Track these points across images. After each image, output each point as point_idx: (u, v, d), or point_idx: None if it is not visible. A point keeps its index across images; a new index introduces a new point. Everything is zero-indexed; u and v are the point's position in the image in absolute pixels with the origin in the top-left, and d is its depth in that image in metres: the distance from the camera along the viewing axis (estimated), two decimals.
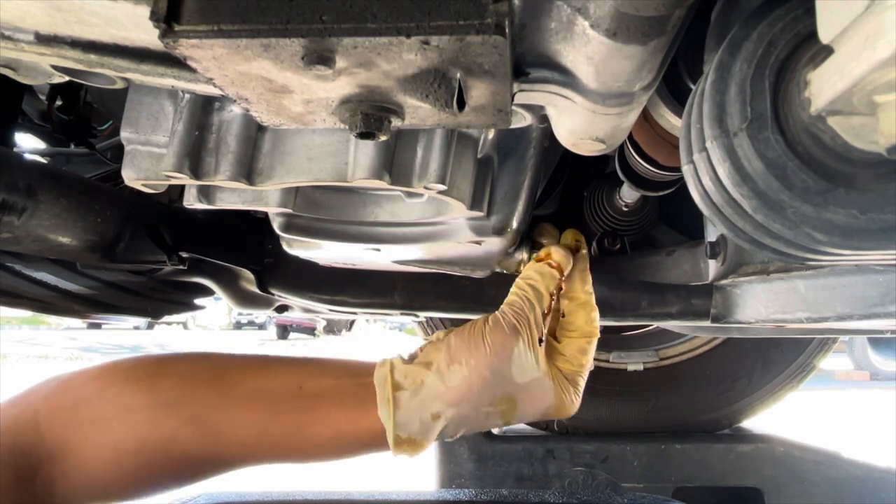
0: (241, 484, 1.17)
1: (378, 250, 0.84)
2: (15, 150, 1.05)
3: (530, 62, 0.50)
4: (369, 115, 0.48)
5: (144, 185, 0.68)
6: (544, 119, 0.61)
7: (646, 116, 0.79)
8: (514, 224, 0.76)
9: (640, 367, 1.94)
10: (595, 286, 0.83)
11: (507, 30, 0.40)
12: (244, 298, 1.28)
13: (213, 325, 23.63)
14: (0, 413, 0.69)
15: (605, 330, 0.89)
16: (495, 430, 1.93)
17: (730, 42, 0.42)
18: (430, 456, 1.90)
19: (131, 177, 0.66)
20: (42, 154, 1.29)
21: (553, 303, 0.79)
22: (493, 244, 0.81)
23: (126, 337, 17.19)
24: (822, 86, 0.37)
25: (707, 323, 1.03)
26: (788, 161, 0.39)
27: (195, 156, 0.62)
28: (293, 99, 0.49)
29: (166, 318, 2.06)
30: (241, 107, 0.53)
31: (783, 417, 2.34)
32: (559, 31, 0.45)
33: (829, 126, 0.38)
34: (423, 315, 1.41)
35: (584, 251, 0.84)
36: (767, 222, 0.41)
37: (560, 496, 1.24)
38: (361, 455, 0.74)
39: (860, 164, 0.39)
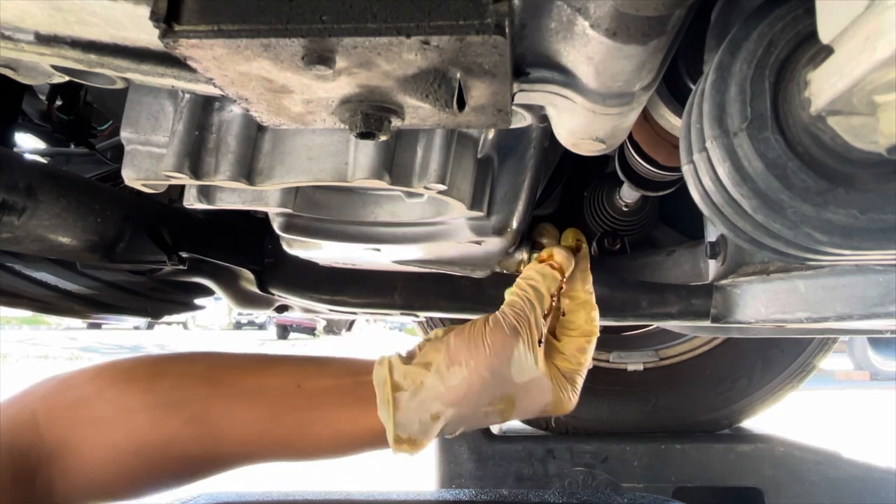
0: (241, 484, 1.17)
1: (378, 250, 0.84)
2: (15, 150, 1.05)
3: (530, 62, 0.50)
4: (369, 115, 0.48)
5: (144, 185, 0.68)
6: (544, 119, 0.61)
7: (646, 116, 0.79)
8: (514, 224, 0.76)
9: (640, 367, 1.94)
10: (595, 286, 0.83)
11: (507, 30, 0.40)
12: (244, 298, 1.28)
13: (213, 325, 23.63)
14: None
15: (605, 330, 0.89)
16: (495, 430, 1.93)
17: (730, 42, 0.42)
18: (430, 456, 1.90)
19: (131, 177, 0.66)
20: (42, 154, 1.29)
21: (553, 303, 0.79)
22: (493, 244, 0.81)
23: (126, 337, 17.19)
24: (822, 86, 0.37)
25: (707, 323, 1.03)
26: (788, 161, 0.39)
27: (195, 156, 0.62)
28: (293, 99, 0.49)
29: (166, 318, 2.06)
30: (241, 107, 0.53)
31: (783, 417, 2.34)
32: (559, 31, 0.45)
33: (829, 126, 0.38)
34: (423, 315, 1.41)
35: (585, 250, 0.84)
36: (767, 222, 0.41)
37: (560, 496, 1.24)
38: (361, 453, 0.75)
39: (860, 164, 0.39)
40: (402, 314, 1.21)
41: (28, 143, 1.32)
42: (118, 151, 1.17)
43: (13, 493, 0.65)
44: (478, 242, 0.80)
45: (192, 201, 0.70)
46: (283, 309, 1.36)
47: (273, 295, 1.18)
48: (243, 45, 0.41)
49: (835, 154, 0.39)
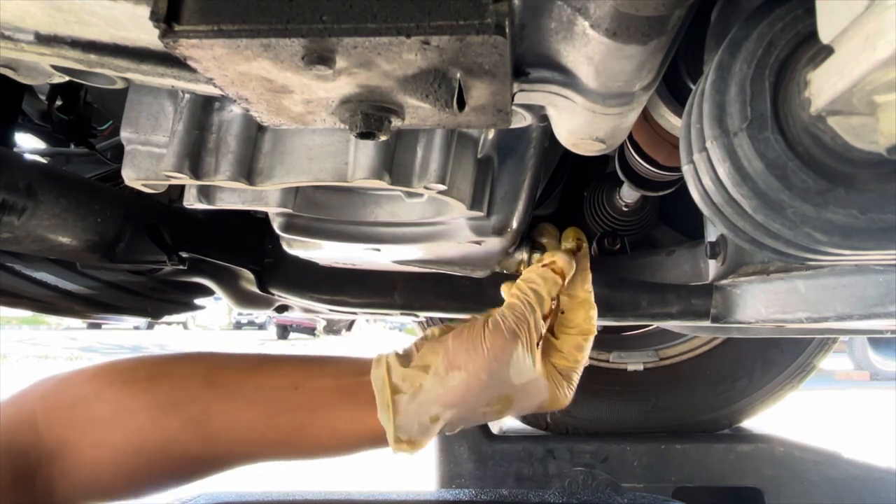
0: (241, 484, 1.17)
1: (378, 250, 0.84)
2: (15, 150, 1.05)
3: (530, 62, 0.50)
4: (369, 115, 0.48)
5: (144, 185, 0.68)
6: (544, 119, 0.61)
7: (646, 116, 0.79)
8: (514, 224, 0.76)
9: (640, 367, 1.94)
10: (595, 286, 0.83)
11: (507, 30, 0.40)
12: (244, 298, 1.28)
13: (213, 325, 23.62)
14: None
15: (605, 330, 0.89)
16: (495, 430, 1.94)
17: (730, 42, 0.42)
18: (430, 456, 1.90)
19: (131, 177, 0.66)
20: (42, 154, 1.29)
21: (553, 306, 0.79)
22: (493, 244, 0.81)
23: (126, 337, 17.19)
24: (822, 86, 0.37)
25: (707, 323, 1.03)
26: (788, 161, 0.39)
27: (195, 156, 0.62)
28: (293, 99, 0.49)
29: (166, 318, 2.06)
30: (241, 107, 0.53)
31: (783, 417, 2.34)
32: (559, 31, 0.45)
33: (829, 126, 0.38)
34: (423, 315, 1.41)
35: (586, 250, 0.84)
36: (767, 222, 0.41)
37: (560, 496, 1.24)
38: (361, 452, 0.75)
39: (860, 164, 0.39)
40: (402, 314, 1.21)
41: (28, 143, 1.32)
42: (118, 151, 1.17)
43: (13, 492, 0.66)
44: (478, 242, 0.80)
45: (192, 201, 0.70)
46: (283, 309, 1.36)
47: (273, 295, 1.18)
48: (243, 45, 0.41)
49: (835, 154, 0.39)
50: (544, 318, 0.76)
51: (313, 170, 0.63)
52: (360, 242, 0.81)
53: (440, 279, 1.12)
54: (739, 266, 0.84)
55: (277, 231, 0.81)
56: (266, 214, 0.83)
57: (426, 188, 0.64)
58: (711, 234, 0.91)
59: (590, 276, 0.83)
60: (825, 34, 0.35)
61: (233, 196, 0.70)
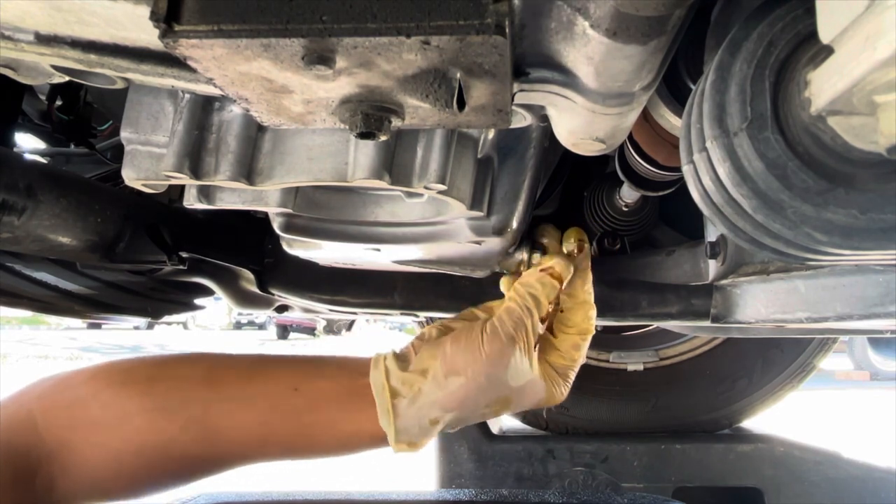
0: (241, 484, 1.17)
1: (378, 250, 0.84)
2: (15, 150, 1.05)
3: (530, 62, 0.50)
4: (369, 115, 0.48)
5: (144, 185, 0.68)
6: (544, 119, 0.61)
7: (646, 116, 0.79)
8: (514, 224, 0.76)
9: (640, 367, 1.93)
10: (595, 286, 0.84)
11: (507, 30, 0.40)
12: (244, 298, 1.28)
13: (213, 325, 23.61)
14: None
15: (605, 330, 0.89)
16: (495, 430, 1.93)
17: (730, 42, 0.42)
18: (430, 456, 1.90)
19: (131, 177, 0.66)
20: (42, 154, 1.29)
21: (551, 309, 0.80)
22: (493, 244, 0.81)
23: (126, 337, 17.18)
24: (822, 86, 0.37)
25: (707, 323, 1.03)
26: (788, 161, 0.39)
27: (195, 156, 0.62)
28: (293, 99, 0.49)
29: (166, 318, 2.06)
30: (241, 107, 0.53)
31: (783, 417, 2.34)
32: (559, 31, 0.45)
33: (829, 126, 0.38)
34: (423, 315, 1.41)
35: (587, 250, 0.85)
36: (767, 222, 0.41)
37: (560, 496, 1.24)
38: (361, 452, 0.75)
39: (860, 164, 0.39)
40: (402, 314, 1.21)
41: (28, 143, 1.32)
42: (118, 151, 1.17)
43: (13, 492, 0.65)
44: (478, 242, 0.80)
45: (192, 201, 0.70)
46: (283, 309, 1.36)
47: (273, 295, 1.18)
48: (243, 45, 0.41)
49: (835, 154, 0.39)
50: (542, 321, 0.77)
51: (313, 170, 0.63)
52: (360, 242, 0.81)
53: (440, 279, 1.12)
54: (739, 266, 0.84)
55: (277, 231, 0.81)
56: (266, 214, 0.83)
57: (426, 188, 0.64)
58: (711, 234, 0.91)
59: (590, 277, 0.83)
60: (825, 34, 0.35)
61: (233, 196, 0.70)
